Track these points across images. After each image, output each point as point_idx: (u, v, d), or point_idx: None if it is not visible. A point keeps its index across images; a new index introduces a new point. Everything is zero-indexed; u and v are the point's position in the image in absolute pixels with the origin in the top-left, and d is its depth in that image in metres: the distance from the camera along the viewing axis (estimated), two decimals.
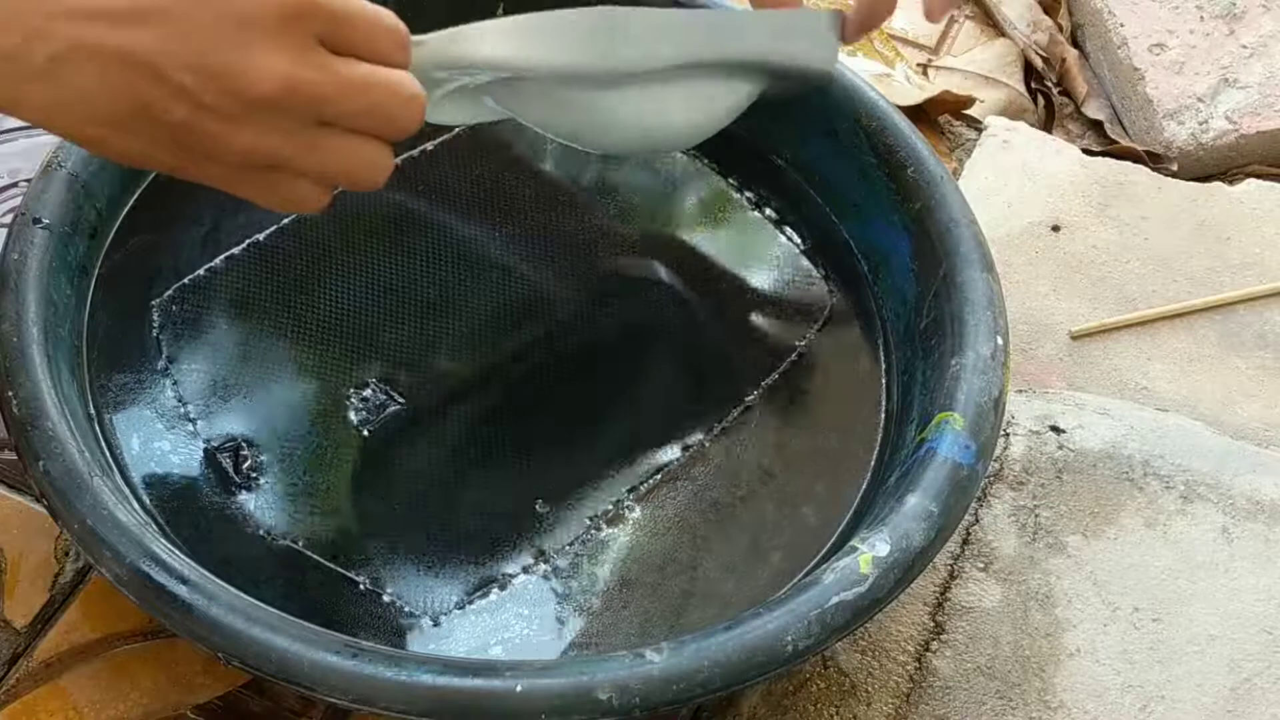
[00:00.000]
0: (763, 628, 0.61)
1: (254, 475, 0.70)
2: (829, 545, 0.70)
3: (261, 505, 0.70)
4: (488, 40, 0.60)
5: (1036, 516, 0.76)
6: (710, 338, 0.78)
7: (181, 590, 0.60)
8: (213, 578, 0.61)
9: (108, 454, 0.69)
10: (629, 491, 0.72)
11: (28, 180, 0.73)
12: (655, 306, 0.79)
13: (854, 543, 0.64)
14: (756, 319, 0.79)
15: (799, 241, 0.81)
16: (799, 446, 0.74)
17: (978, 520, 0.76)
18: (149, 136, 0.51)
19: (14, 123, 0.88)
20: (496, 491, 0.72)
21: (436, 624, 0.68)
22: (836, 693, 0.70)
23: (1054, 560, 0.75)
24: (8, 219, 0.71)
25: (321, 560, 0.68)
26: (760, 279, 0.80)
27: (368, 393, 0.74)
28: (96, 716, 0.68)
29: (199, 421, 0.72)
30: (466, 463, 0.72)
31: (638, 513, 0.72)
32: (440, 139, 0.82)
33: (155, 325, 0.74)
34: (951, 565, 0.74)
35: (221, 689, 0.69)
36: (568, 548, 0.70)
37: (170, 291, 0.75)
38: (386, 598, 0.68)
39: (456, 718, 0.59)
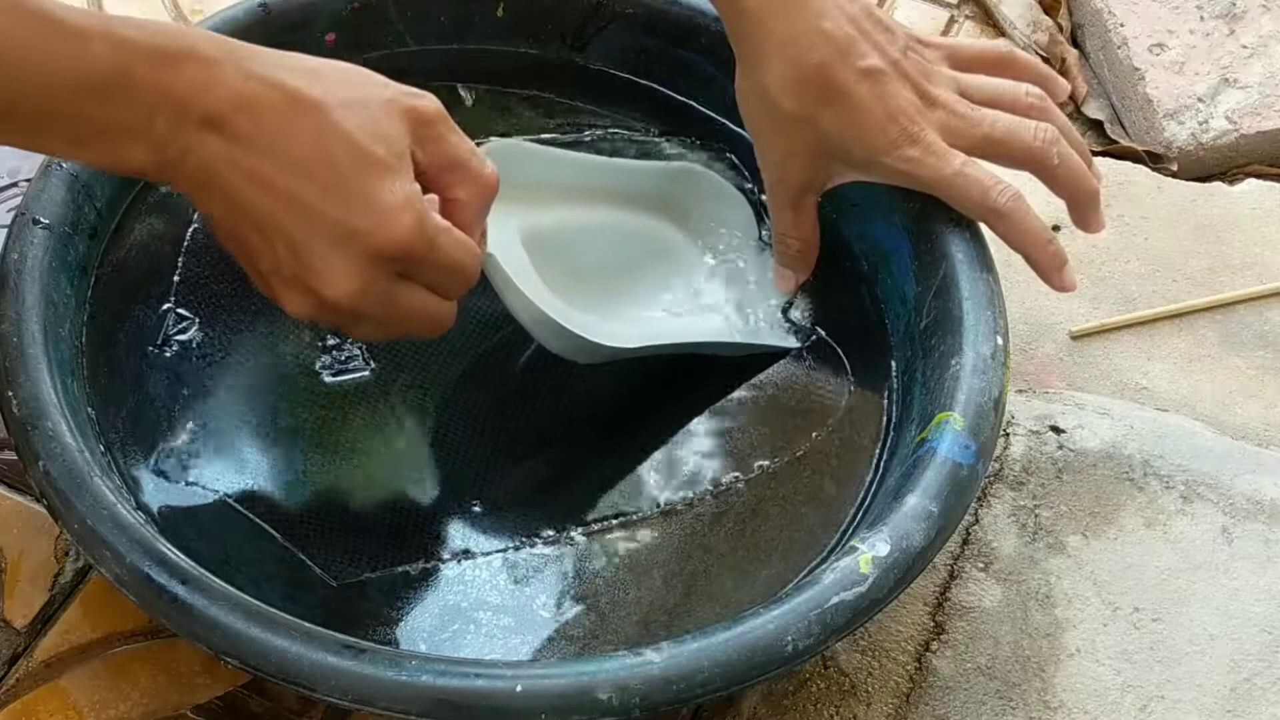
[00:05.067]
0: (763, 628, 0.61)
1: (193, 359, 0.72)
2: (829, 545, 0.70)
3: (196, 427, 0.71)
4: (522, 311, 0.69)
5: (1036, 516, 0.76)
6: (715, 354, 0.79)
7: (181, 590, 0.60)
8: (213, 578, 0.61)
9: (108, 453, 0.69)
10: (581, 516, 0.71)
11: (28, 180, 0.73)
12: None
13: (854, 543, 0.64)
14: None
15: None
16: (798, 446, 0.74)
17: (978, 520, 0.76)
18: (238, 253, 0.63)
19: None
20: (435, 482, 0.71)
21: (337, 590, 0.67)
22: (836, 693, 0.70)
23: (1054, 560, 0.75)
24: (8, 219, 0.71)
25: (236, 505, 0.69)
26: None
27: (346, 344, 0.74)
28: (96, 716, 0.68)
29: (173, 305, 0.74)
30: (410, 445, 0.72)
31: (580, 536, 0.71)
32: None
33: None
34: (951, 565, 0.74)
35: (221, 689, 0.69)
36: (496, 553, 0.69)
37: None
38: (295, 551, 0.68)
39: (456, 718, 0.59)
